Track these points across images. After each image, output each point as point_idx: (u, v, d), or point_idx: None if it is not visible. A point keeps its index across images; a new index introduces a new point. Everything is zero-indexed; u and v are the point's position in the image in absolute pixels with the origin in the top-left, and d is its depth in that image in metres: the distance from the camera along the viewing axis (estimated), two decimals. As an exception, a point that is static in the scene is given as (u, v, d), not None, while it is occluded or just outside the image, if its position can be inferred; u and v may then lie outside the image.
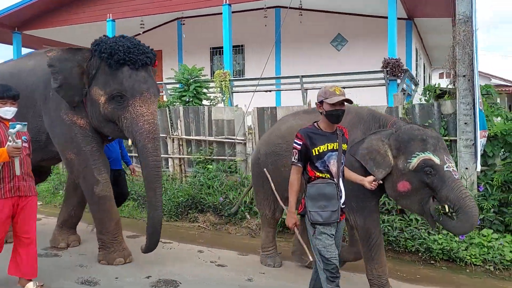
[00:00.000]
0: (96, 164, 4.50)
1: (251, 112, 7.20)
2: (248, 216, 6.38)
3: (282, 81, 10.83)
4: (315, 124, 3.15)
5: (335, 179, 3.06)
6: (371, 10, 11.42)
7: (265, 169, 4.20)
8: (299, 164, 3.08)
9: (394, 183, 3.37)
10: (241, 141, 7.18)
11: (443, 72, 27.17)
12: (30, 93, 4.65)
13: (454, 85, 5.30)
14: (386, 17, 10.92)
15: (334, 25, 12.42)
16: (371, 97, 8.88)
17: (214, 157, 7.40)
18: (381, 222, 5.22)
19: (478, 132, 4.80)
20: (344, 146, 3.16)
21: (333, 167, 3.06)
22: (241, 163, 7.20)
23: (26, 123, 3.69)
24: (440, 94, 6.83)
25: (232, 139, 7.22)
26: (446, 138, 5.40)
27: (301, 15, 10.35)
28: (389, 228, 5.17)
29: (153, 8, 11.69)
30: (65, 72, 4.29)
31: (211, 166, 7.28)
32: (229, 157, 7.23)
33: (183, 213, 6.78)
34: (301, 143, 3.05)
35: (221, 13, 11.05)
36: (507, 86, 20.65)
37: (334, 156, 3.06)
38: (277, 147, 4.22)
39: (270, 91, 10.97)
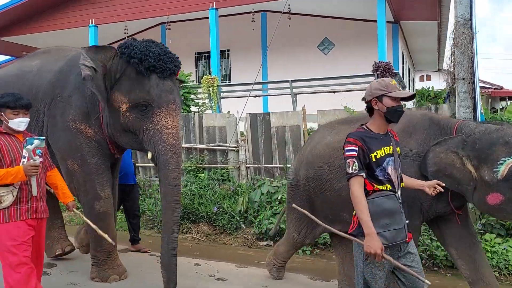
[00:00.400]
0: (100, 179, 4.20)
1: (243, 118, 7.04)
2: (243, 225, 6.19)
3: (271, 86, 10.69)
4: (364, 126, 2.68)
5: (396, 189, 2.61)
6: (358, 14, 11.41)
7: (294, 204, 3.53)
8: (362, 173, 2.52)
9: (482, 196, 2.93)
10: (234, 148, 7.00)
11: (423, 75, 27.70)
12: (34, 96, 4.28)
13: (452, 88, 5.23)
14: (373, 21, 10.93)
15: (320, 29, 12.37)
16: (360, 101, 8.81)
17: (206, 165, 7.20)
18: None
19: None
20: (398, 150, 2.71)
21: (392, 175, 2.60)
22: (234, 171, 7.02)
23: (44, 137, 3.30)
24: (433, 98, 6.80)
25: (225, 146, 7.04)
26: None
27: (290, 18, 10.24)
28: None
29: (137, 13, 11.43)
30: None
31: (202, 175, 7.08)
32: (221, 165, 7.05)
33: (175, 224, 6.54)
34: (356, 148, 2.53)
35: (207, 18, 10.88)
36: (486, 88, 21.00)
37: (391, 161, 2.60)
38: (318, 171, 3.66)
39: (259, 96, 10.83)
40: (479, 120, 4.75)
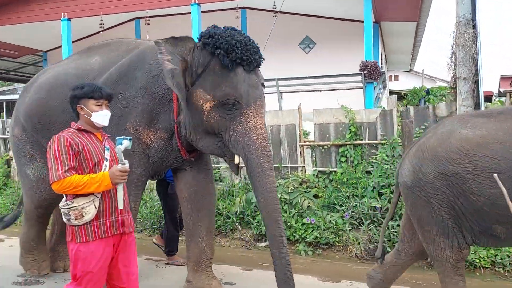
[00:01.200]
0: (136, 191, 3.76)
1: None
2: (239, 227, 6.04)
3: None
4: None
5: None
6: (340, 13, 11.45)
7: (495, 175, 2.57)
8: None
9: None
10: (226, 147, 6.82)
11: (391, 75, 28.47)
12: None
13: (452, 87, 5.29)
14: (355, 20, 11.02)
15: (302, 27, 12.34)
16: (346, 100, 8.83)
17: (196, 164, 6.98)
18: (388, 228, 5.11)
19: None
20: None
21: None
22: (226, 171, 6.84)
23: (131, 137, 2.77)
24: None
25: (217, 145, 6.84)
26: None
27: (276, 16, 10.14)
28: (397, 234, 5.06)
29: (114, 7, 10.97)
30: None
31: (193, 175, 6.86)
32: (213, 165, 6.85)
33: (167, 226, 6.31)
34: None
35: (188, 13, 10.61)
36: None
37: None
38: (458, 168, 2.94)
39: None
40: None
